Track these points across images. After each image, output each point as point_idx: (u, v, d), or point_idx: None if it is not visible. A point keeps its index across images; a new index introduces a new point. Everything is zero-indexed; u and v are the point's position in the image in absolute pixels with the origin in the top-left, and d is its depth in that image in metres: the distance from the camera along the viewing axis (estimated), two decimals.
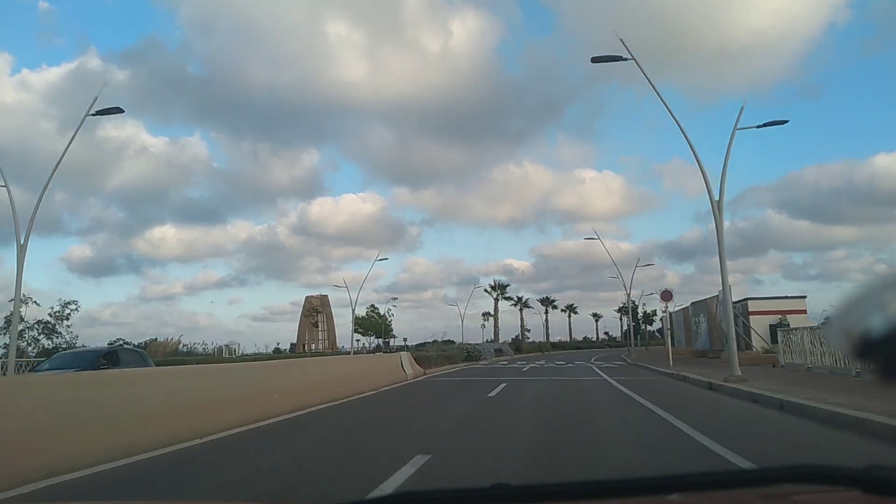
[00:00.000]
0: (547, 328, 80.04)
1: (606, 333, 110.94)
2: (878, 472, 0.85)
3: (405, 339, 76.71)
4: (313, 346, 71.19)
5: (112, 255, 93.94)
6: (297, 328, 72.49)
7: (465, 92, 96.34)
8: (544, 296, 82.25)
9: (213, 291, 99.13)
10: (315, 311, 72.70)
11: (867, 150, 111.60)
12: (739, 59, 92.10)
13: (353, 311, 50.90)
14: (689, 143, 15.43)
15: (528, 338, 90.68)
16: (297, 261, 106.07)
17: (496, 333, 59.76)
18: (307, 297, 73.98)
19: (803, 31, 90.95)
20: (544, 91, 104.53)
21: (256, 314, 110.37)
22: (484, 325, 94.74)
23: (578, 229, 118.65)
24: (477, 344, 45.05)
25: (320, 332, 73.48)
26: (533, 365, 32.31)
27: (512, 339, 73.89)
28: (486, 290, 63.22)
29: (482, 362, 35.90)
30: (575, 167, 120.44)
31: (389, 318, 69.92)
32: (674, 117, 15.72)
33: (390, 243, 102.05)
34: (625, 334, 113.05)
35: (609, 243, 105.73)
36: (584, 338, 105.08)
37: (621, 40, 15.53)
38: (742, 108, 15.90)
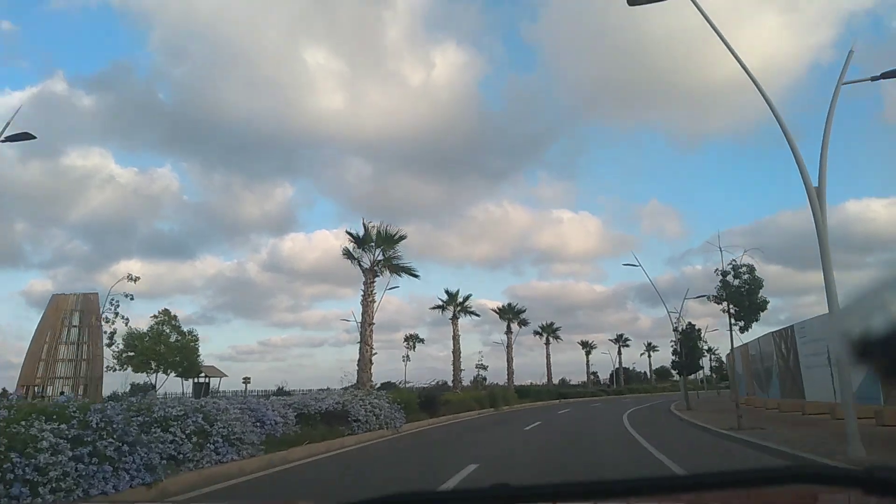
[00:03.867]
0: (510, 358, 45.57)
1: (595, 375, 79.59)
2: (878, 472, 0.84)
3: (246, 381, 41.67)
4: (50, 389, 35.57)
5: (75, 290, 77.44)
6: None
7: (446, 127, 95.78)
8: (507, 303, 48.97)
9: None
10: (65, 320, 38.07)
11: (840, 195, 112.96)
12: (721, 101, 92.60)
13: None
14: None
15: (484, 377, 56.70)
16: (266, 299, 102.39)
17: (362, 361, 21.06)
18: (54, 296, 39.15)
19: (786, 73, 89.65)
20: (525, 128, 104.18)
21: (223, 353, 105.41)
22: (406, 357, 60.51)
23: (555, 270, 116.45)
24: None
25: (63, 364, 37.90)
26: None
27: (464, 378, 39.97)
28: (347, 246, 24.07)
29: None
30: (553, 207, 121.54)
31: (190, 337, 35.44)
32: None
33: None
34: (617, 376, 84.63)
35: (583, 286, 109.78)
36: (562, 380, 76.36)
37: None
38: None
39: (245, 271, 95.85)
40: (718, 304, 16.91)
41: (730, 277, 16.53)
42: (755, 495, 1.22)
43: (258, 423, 11.09)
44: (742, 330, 16.68)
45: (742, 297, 16.36)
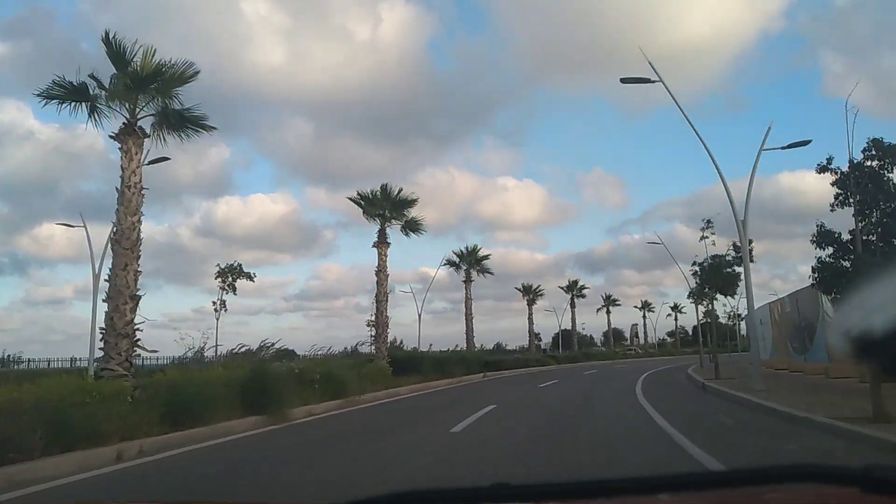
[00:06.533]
0: (382, 296, 22.74)
1: (538, 336, 62.26)
2: (877, 471, 0.85)
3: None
4: None
5: None
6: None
7: (392, 87, 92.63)
8: (381, 185, 23.96)
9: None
10: None
11: (774, 167, 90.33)
12: (669, 68, 69.95)
13: None
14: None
15: (400, 341, 36.48)
16: (200, 264, 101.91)
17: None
18: None
19: (735, 41, 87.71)
20: (474, 92, 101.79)
21: (155, 322, 76.89)
22: (220, 305, 40.89)
23: (497, 238, 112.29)
24: None
25: None
26: None
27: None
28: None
29: None
30: (499, 174, 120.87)
31: None
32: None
33: (303, 247, 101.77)
34: (565, 339, 67.91)
35: (525, 254, 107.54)
36: (498, 345, 60.40)
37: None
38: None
39: (177, 236, 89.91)
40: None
41: None
42: (752, 494, 1.19)
43: None
44: None
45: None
